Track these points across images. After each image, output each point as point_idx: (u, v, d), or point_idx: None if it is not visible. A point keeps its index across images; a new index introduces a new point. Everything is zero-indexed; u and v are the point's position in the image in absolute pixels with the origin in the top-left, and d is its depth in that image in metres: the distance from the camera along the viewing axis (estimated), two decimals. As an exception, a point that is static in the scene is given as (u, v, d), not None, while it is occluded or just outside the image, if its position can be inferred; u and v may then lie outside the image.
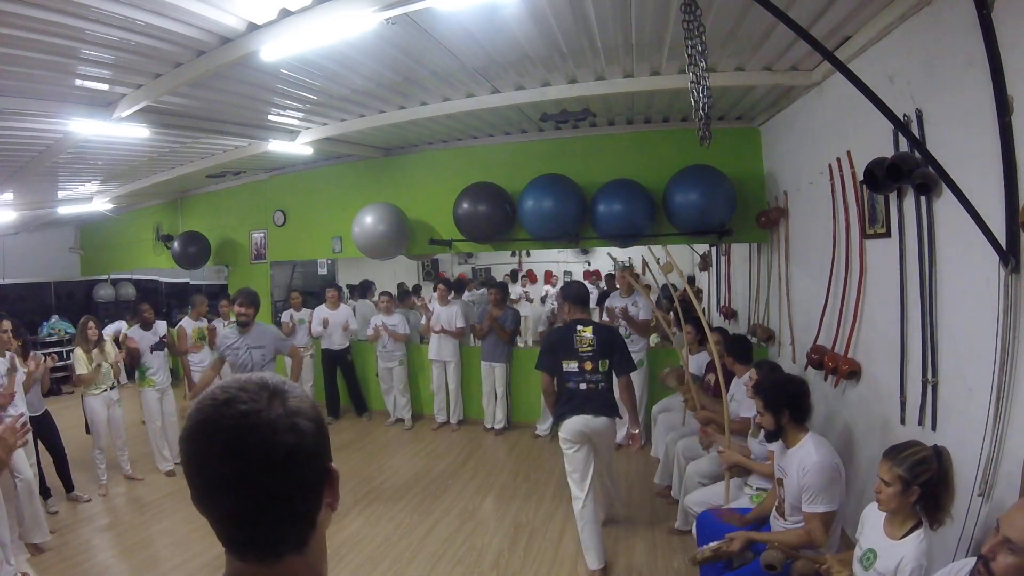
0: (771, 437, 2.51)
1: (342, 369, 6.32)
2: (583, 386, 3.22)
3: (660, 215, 5.05)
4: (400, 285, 8.11)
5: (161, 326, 5.07)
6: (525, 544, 3.51)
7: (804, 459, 2.31)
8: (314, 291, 8.40)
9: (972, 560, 1.48)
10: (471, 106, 4.23)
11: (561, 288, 4.33)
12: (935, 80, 2.37)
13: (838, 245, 3.43)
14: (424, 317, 6.13)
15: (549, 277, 10.65)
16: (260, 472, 0.64)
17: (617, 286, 5.59)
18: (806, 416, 2.45)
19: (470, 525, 3.82)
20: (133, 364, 4.87)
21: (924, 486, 1.76)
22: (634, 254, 5.95)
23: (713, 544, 2.44)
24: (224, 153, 5.63)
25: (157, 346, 4.95)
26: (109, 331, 5.50)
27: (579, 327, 3.32)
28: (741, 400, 3.33)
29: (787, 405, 2.42)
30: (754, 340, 4.88)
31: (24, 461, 3.49)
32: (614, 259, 4.89)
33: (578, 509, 3.19)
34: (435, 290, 6.03)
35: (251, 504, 0.65)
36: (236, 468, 0.64)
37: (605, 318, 5.27)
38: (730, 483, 3.08)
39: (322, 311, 6.21)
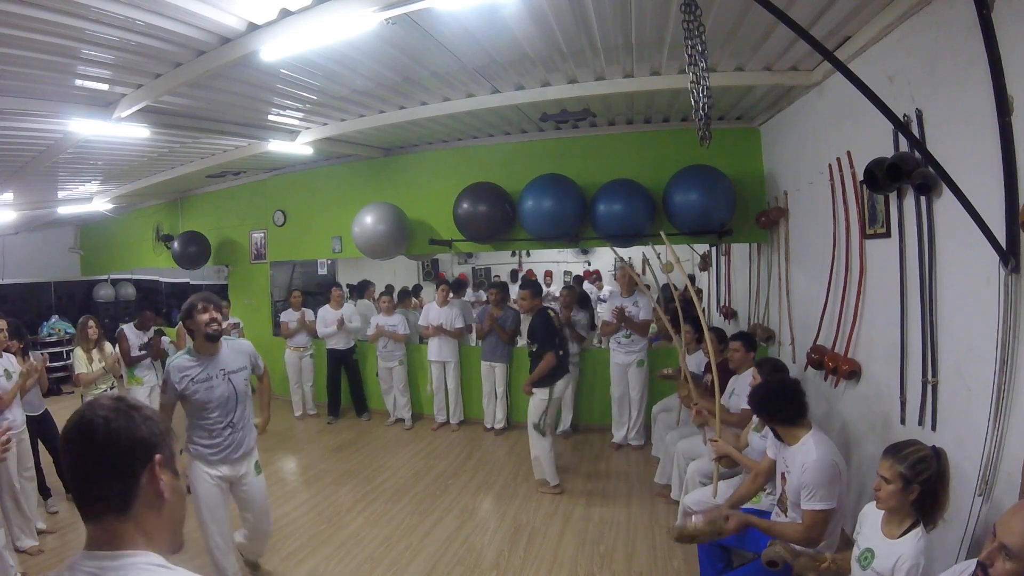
0: (777, 436, 2.54)
1: (347, 369, 6.33)
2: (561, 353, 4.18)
3: (660, 215, 5.05)
4: (388, 287, 8.08)
5: (150, 333, 5.11)
6: (525, 544, 3.51)
7: (804, 457, 2.32)
8: (313, 291, 8.40)
9: (972, 563, 1.48)
10: (471, 106, 4.24)
11: (528, 285, 4.48)
12: (935, 80, 2.37)
13: (838, 245, 3.43)
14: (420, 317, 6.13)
15: (549, 277, 10.65)
16: (83, 445, 0.93)
17: (617, 285, 5.59)
18: (795, 416, 2.43)
19: (470, 525, 3.82)
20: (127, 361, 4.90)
21: (924, 484, 1.76)
22: (634, 253, 5.94)
23: (710, 515, 2.37)
24: (224, 153, 5.63)
25: (145, 346, 4.97)
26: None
27: (551, 312, 4.30)
28: (741, 394, 3.33)
29: (764, 411, 2.47)
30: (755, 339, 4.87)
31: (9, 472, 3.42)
32: (618, 256, 4.89)
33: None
34: (438, 289, 6.02)
35: (78, 468, 0.94)
36: (72, 441, 0.95)
37: (606, 318, 5.26)
38: (727, 482, 3.08)
39: (326, 311, 6.21)
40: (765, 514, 2.65)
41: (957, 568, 1.58)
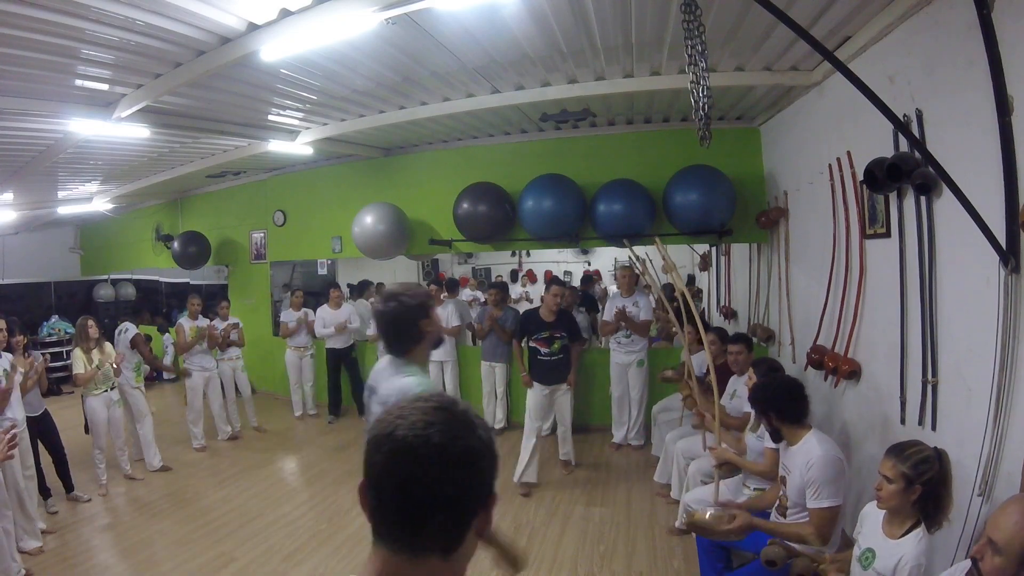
0: (776, 436, 2.55)
1: (346, 367, 6.33)
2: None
3: (660, 215, 5.05)
4: (362, 281, 8.05)
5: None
6: (525, 544, 3.51)
7: (808, 455, 2.32)
8: (314, 291, 8.40)
9: (969, 562, 1.49)
10: (471, 106, 4.24)
11: (561, 282, 4.66)
12: (935, 80, 2.37)
13: (838, 245, 3.43)
14: None
15: (549, 277, 10.65)
16: (431, 464, 0.73)
17: (617, 286, 5.59)
18: (799, 416, 2.44)
19: (470, 525, 3.82)
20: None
21: (926, 485, 1.76)
22: (641, 253, 5.95)
23: (716, 512, 2.36)
24: (224, 153, 5.63)
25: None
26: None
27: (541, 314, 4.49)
28: (743, 395, 3.33)
29: (769, 408, 2.46)
30: (754, 340, 4.87)
31: (14, 470, 3.44)
32: (634, 255, 4.89)
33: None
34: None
35: (415, 493, 0.74)
36: (416, 455, 0.73)
37: (606, 318, 5.26)
38: (729, 482, 3.08)
39: (324, 311, 6.21)
40: (762, 514, 2.66)
41: (957, 568, 1.58)
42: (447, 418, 0.75)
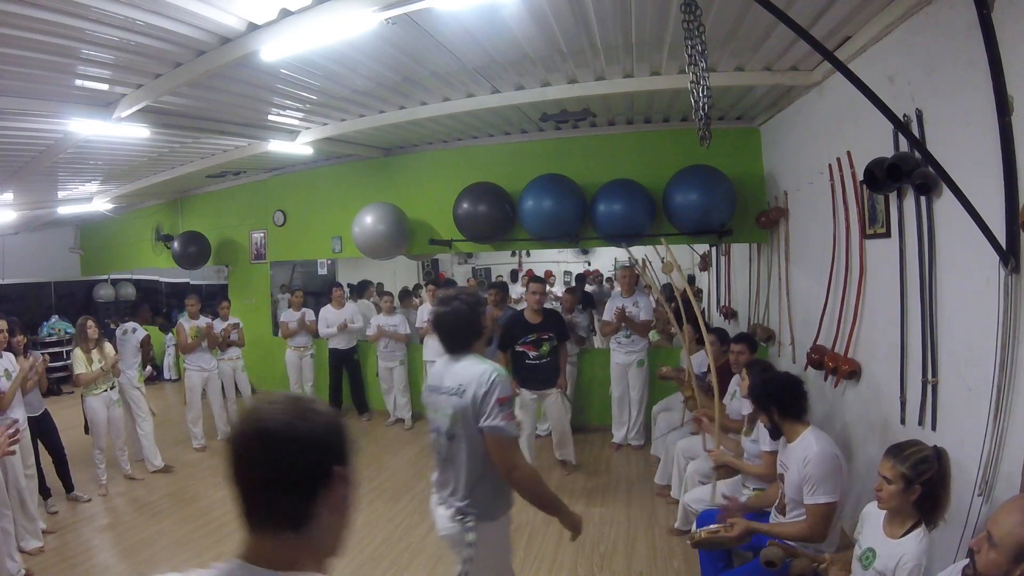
0: (774, 433, 2.55)
1: (348, 369, 6.33)
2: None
3: (660, 215, 5.05)
4: (378, 285, 8.07)
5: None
6: (525, 544, 3.51)
7: (805, 451, 2.32)
8: (314, 291, 8.40)
9: (967, 561, 1.50)
10: (471, 106, 4.23)
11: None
12: (935, 80, 2.37)
13: (838, 245, 3.43)
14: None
15: (549, 277, 10.66)
16: (261, 447, 0.82)
17: (618, 286, 5.59)
18: (800, 412, 2.45)
19: (470, 525, 3.82)
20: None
21: (926, 485, 1.76)
22: (638, 253, 5.95)
23: (712, 527, 2.41)
24: (224, 153, 5.63)
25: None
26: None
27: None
28: (742, 399, 3.33)
29: (773, 403, 2.46)
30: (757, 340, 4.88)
31: (15, 469, 3.44)
32: (632, 256, 4.88)
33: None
34: (425, 289, 6.06)
35: (254, 475, 0.84)
36: (247, 444, 0.84)
37: (607, 318, 5.26)
38: (729, 482, 3.08)
39: (327, 311, 6.21)
40: (763, 513, 2.66)
41: (955, 567, 1.58)
42: (282, 408, 0.84)
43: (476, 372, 1.92)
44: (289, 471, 0.81)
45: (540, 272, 10.82)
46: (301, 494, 0.82)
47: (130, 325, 5.13)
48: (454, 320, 2.01)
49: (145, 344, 5.04)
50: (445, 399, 1.97)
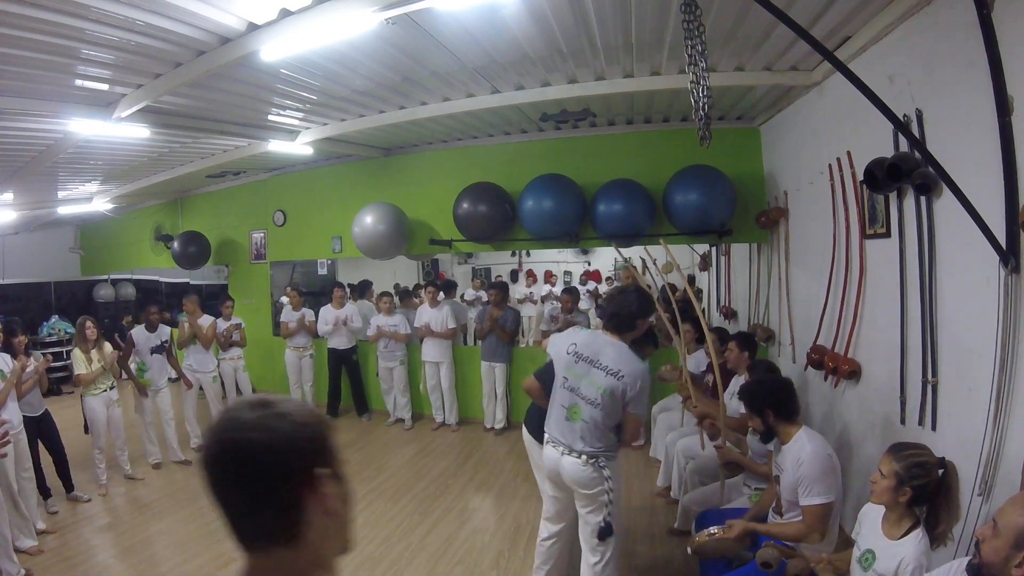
0: (765, 437, 2.54)
1: (347, 369, 6.33)
2: None
3: (660, 215, 5.05)
4: (362, 281, 8.05)
5: (165, 331, 5.13)
6: (525, 544, 3.51)
7: (799, 452, 2.32)
8: (314, 291, 8.40)
9: (968, 558, 1.51)
10: (471, 106, 4.23)
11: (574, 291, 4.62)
12: (935, 80, 2.37)
13: (838, 245, 3.43)
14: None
15: (549, 277, 10.66)
16: (231, 466, 0.75)
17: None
18: (792, 413, 2.45)
19: (470, 525, 3.82)
20: (125, 361, 4.91)
21: (916, 490, 1.76)
22: (634, 253, 5.96)
23: (711, 529, 2.43)
24: (224, 153, 5.63)
25: (157, 349, 4.98)
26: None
27: None
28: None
29: (767, 405, 2.45)
30: (757, 340, 4.87)
31: (7, 471, 3.42)
32: (623, 257, 4.88)
33: None
34: (425, 290, 6.07)
35: (231, 496, 0.76)
36: (216, 463, 0.76)
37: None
38: (728, 483, 3.08)
39: (327, 310, 6.22)
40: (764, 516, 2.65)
41: (955, 563, 1.58)
42: (249, 419, 0.76)
43: (638, 368, 2.42)
44: (268, 486, 0.75)
45: (540, 272, 10.83)
46: (286, 508, 0.75)
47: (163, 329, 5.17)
48: (625, 304, 2.49)
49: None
50: (601, 375, 2.42)
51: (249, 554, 0.77)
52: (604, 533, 2.42)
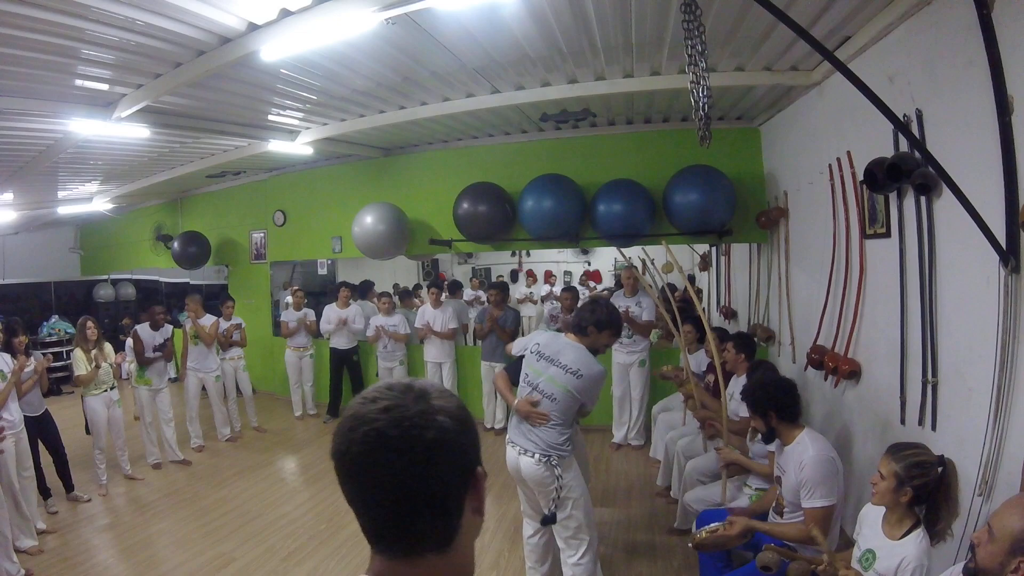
0: (767, 438, 2.54)
1: (348, 368, 6.33)
2: None
3: (660, 215, 5.05)
4: (364, 282, 8.06)
5: (167, 330, 5.13)
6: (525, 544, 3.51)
7: (801, 455, 2.32)
8: (314, 291, 8.40)
9: (969, 556, 1.51)
10: (471, 106, 4.23)
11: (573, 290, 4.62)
12: (935, 80, 2.37)
13: (838, 245, 3.43)
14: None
15: (549, 277, 10.65)
16: (401, 464, 0.66)
17: (622, 286, 5.59)
18: (796, 415, 2.45)
19: (470, 525, 3.82)
20: (142, 356, 4.93)
21: (917, 489, 1.76)
22: (634, 253, 5.96)
23: (712, 525, 2.42)
24: (224, 153, 5.63)
25: (160, 347, 4.98)
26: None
27: None
28: (741, 400, 3.33)
29: (771, 407, 2.45)
30: (756, 341, 4.87)
31: (8, 471, 3.43)
32: (625, 257, 4.87)
33: None
34: (428, 291, 6.06)
35: (393, 496, 0.67)
36: (377, 459, 0.67)
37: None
38: (729, 483, 3.08)
39: (331, 309, 6.22)
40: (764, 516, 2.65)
41: (954, 569, 1.58)
42: (417, 410, 0.69)
43: (596, 370, 2.63)
44: (444, 486, 0.68)
45: (540, 272, 10.82)
46: (453, 509, 0.70)
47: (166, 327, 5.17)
48: (584, 312, 2.71)
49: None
50: (561, 373, 2.62)
51: (391, 563, 0.70)
52: (546, 521, 2.64)
